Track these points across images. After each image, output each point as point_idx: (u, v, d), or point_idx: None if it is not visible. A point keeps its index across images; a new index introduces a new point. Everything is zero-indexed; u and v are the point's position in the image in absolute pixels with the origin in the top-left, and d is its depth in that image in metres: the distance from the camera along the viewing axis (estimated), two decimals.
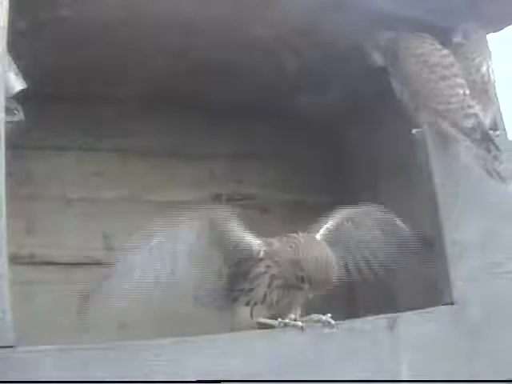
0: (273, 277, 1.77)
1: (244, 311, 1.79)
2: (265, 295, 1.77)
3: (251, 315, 1.78)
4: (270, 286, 1.77)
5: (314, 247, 1.76)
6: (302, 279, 1.72)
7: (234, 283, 1.81)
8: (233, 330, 1.81)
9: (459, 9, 2.17)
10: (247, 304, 1.78)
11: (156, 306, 1.77)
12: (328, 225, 1.92)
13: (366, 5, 2.06)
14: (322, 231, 1.89)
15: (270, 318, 1.76)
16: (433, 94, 2.04)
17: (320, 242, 1.82)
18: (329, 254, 1.75)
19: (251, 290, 1.78)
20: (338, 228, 1.93)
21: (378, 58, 2.18)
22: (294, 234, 1.82)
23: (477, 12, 2.21)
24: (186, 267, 1.72)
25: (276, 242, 1.81)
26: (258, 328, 1.77)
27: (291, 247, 1.77)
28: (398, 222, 2.03)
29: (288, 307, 1.79)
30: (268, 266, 1.77)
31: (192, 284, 1.78)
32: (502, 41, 2.39)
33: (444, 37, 2.17)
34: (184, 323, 2.19)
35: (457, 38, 2.20)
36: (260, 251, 1.79)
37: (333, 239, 1.90)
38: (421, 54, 2.09)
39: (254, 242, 1.80)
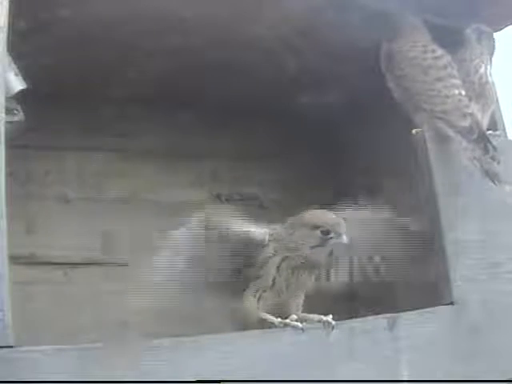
0: (283, 259, 1.79)
1: (251, 301, 1.79)
2: (274, 280, 1.79)
3: (258, 305, 1.79)
4: (278, 269, 1.79)
5: (313, 210, 1.84)
6: (327, 232, 1.77)
7: (244, 272, 1.82)
8: (241, 319, 1.82)
9: (459, 9, 2.17)
10: (256, 292, 1.79)
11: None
12: None
13: (366, 5, 2.06)
14: None
15: (277, 306, 1.78)
16: (428, 96, 2.04)
17: None
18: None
19: (259, 276, 1.80)
20: None
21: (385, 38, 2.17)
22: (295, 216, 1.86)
23: (477, 12, 2.21)
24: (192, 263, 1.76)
25: (279, 228, 1.84)
26: (261, 323, 1.77)
27: (297, 221, 1.82)
28: (400, 220, 2.04)
29: (294, 293, 1.81)
30: (276, 250, 1.79)
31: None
32: (502, 41, 2.39)
33: (444, 37, 2.17)
34: (184, 323, 2.20)
35: (472, 37, 2.21)
36: (265, 236, 1.81)
37: None
38: (414, 57, 2.10)
39: (260, 230, 1.82)
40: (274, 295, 1.79)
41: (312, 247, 1.78)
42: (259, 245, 1.80)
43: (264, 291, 1.79)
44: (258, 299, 1.79)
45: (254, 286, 1.80)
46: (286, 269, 1.78)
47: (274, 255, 1.79)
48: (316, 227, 1.78)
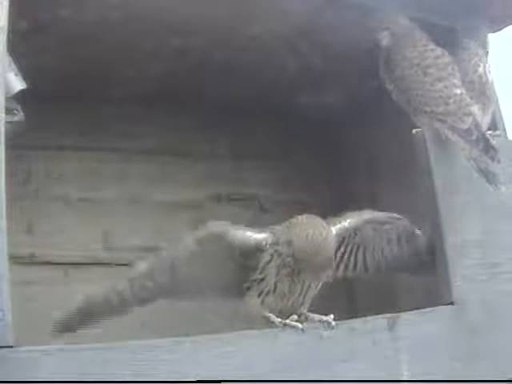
0: (278, 266, 1.77)
1: (255, 301, 1.79)
2: (275, 284, 1.77)
3: (262, 306, 1.78)
4: (277, 274, 1.77)
5: (308, 226, 1.74)
6: (295, 259, 1.71)
7: (246, 274, 1.80)
8: (245, 320, 1.82)
9: (459, 9, 2.17)
10: (259, 295, 1.79)
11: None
12: (346, 223, 1.90)
13: (366, 5, 2.06)
14: (338, 226, 1.88)
15: (282, 309, 1.77)
16: (429, 97, 2.03)
17: (318, 221, 1.77)
18: (323, 234, 1.72)
19: (262, 279, 1.78)
20: (356, 228, 1.93)
21: (383, 38, 2.16)
22: (298, 217, 1.80)
23: (477, 12, 2.21)
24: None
25: (279, 230, 1.81)
26: (264, 320, 1.78)
27: (288, 227, 1.77)
28: (416, 231, 2.03)
29: (300, 297, 1.79)
30: (272, 255, 1.78)
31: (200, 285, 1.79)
32: (502, 41, 2.39)
33: (443, 37, 2.17)
34: (185, 323, 2.20)
35: (460, 36, 2.21)
36: (266, 242, 1.78)
37: (348, 238, 1.92)
38: (413, 57, 2.08)
39: (259, 236, 1.80)
40: (277, 299, 1.79)
41: (288, 256, 1.75)
42: (259, 250, 1.79)
43: (267, 295, 1.78)
44: (262, 302, 1.79)
45: (258, 288, 1.79)
46: (286, 275, 1.78)
47: (271, 261, 1.78)
48: (292, 247, 1.73)
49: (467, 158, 1.96)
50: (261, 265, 1.78)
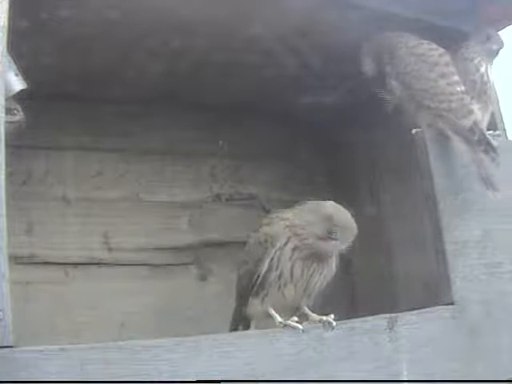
0: (295, 248, 1.78)
1: (259, 296, 1.82)
2: (291, 269, 1.79)
3: (265, 300, 1.81)
4: (291, 258, 1.79)
5: (332, 205, 1.82)
6: (335, 233, 1.76)
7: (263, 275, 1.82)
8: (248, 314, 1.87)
9: (459, 9, 2.18)
10: (278, 288, 1.81)
11: None
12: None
13: (366, 5, 2.06)
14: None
15: (288, 302, 1.81)
16: (433, 93, 2.04)
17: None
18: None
19: (271, 268, 1.80)
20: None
21: (369, 65, 2.19)
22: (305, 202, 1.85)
23: (477, 12, 2.21)
24: None
25: (290, 215, 1.83)
26: (264, 318, 1.80)
27: (313, 210, 1.81)
28: None
29: (308, 283, 1.81)
30: (289, 237, 1.79)
31: None
32: None
33: (446, 36, 2.18)
34: (184, 323, 2.20)
35: (482, 40, 2.21)
36: (284, 227, 1.81)
37: None
38: (421, 54, 2.09)
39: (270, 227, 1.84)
40: (293, 286, 1.80)
41: (317, 236, 1.77)
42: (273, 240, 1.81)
43: (285, 285, 1.80)
44: (265, 296, 1.80)
45: (265, 281, 1.80)
46: (298, 258, 1.78)
47: (287, 243, 1.79)
48: (327, 219, 1.77)
49: (471, 161, 1.96)
50: (276, 255, 1.79)
